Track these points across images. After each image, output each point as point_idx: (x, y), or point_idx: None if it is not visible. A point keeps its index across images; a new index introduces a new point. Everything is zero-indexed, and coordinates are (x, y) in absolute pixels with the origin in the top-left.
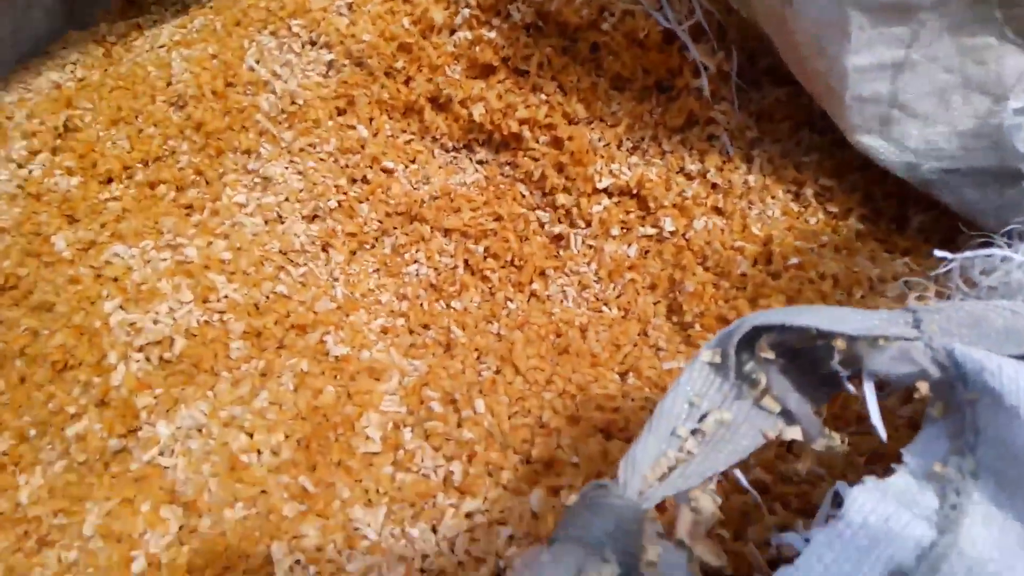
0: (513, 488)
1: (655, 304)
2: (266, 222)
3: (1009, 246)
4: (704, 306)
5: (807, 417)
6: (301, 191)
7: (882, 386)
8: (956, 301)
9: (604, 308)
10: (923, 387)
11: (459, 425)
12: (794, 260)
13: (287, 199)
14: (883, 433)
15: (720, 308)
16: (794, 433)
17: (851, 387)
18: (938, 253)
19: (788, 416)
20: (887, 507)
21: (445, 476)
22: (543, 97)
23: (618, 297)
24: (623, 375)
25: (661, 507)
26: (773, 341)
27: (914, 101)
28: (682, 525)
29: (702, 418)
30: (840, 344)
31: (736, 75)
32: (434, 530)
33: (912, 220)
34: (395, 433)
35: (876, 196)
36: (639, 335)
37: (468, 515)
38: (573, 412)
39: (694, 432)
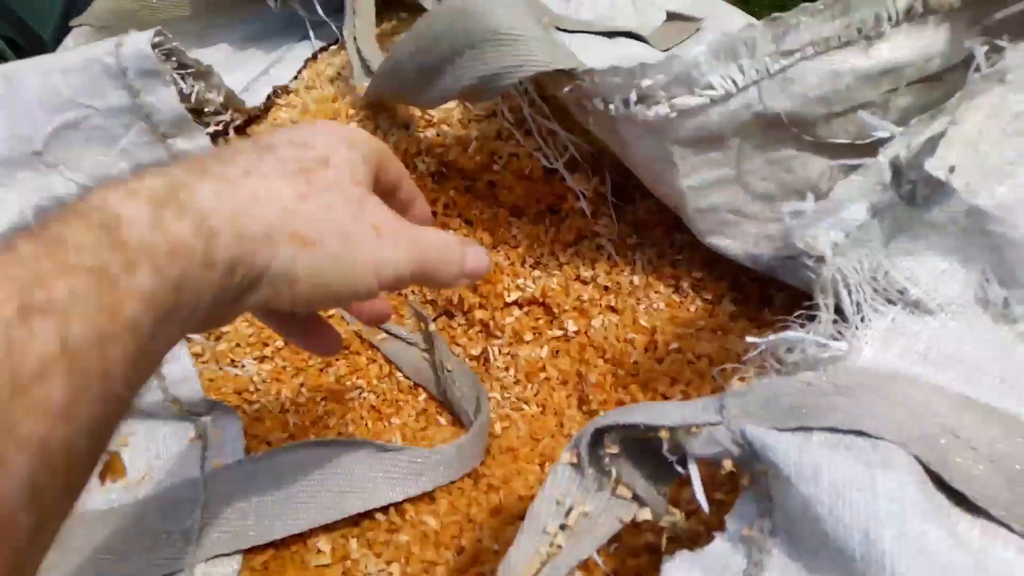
0: None
1: (567, 397)
2: (220, 367)
3: (802, 327)
4: (606, 394)
5: (653, 499)
6: (251, 336)
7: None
8: (762, 381)
9: (524, 406)
10: (727, 463)
11: (398, 531)
12: (675, 345)
13: (238, 344)
14: (705, 506)
15: (619, 394)
16: (644, 514)
17: (681, 469)
18: (749, 339)
19: (639, 500)
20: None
21: None
22: (451, 231)
23: (536, 395)
24: (541, 465)
25: None
26: (615, 438)
27: (745, 207)
28: None
29: (567, 514)
30: (664, 434)
31: (612, 194)
32: None
33: (775, 298)
34: (343, 544)
35: (743, 281)
36: (556, 427)
37: None
38: (496, 504)
39: (562, 527)
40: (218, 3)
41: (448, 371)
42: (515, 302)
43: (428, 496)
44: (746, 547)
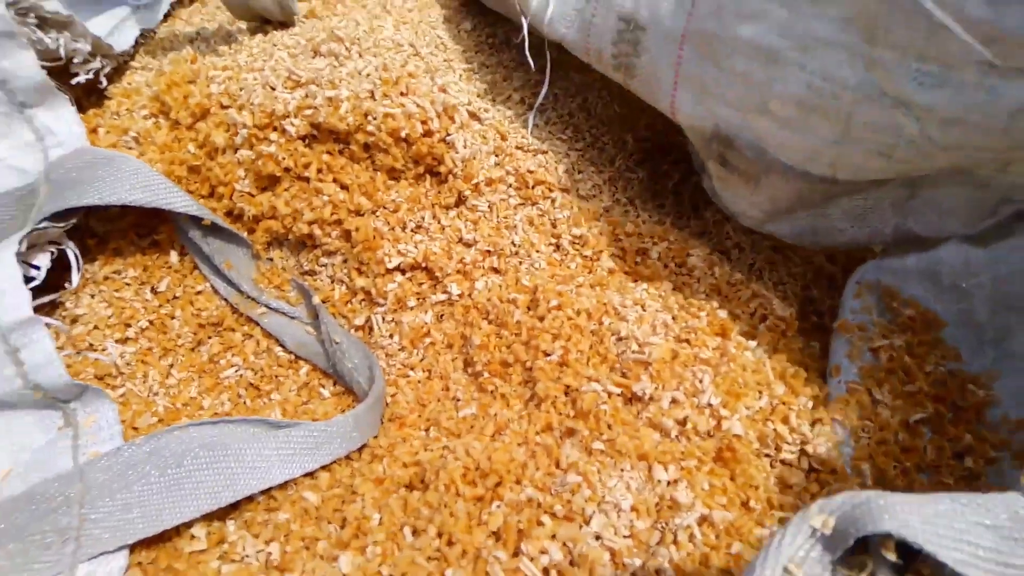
0: (327, 555)
1: (453, 360)
2: (78, 352)
3: None
4: (489, 355)
5: None
6: (110, 317)
7: None
8: None
9: (410, 372)
10: None
11: (277, 509)
12: (554, 302)
13: (96, 327)
14: None
15: (503, 354)
16: None
17: None
18: None
19: None
20: None
21: (265, 559)
22: (325, 198)
23: (421, 360)
24: (426, 430)
25: None
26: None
27: None
28: None
29: None
30: None
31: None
32: None
33: (651, 252)
34: (220, 528)
35: (620, 237)
36: (442, 391)
37: None
38: (379, 475)
39: None
40: None
41: (337, 343)
42: (397, 268)
43: None
44: None
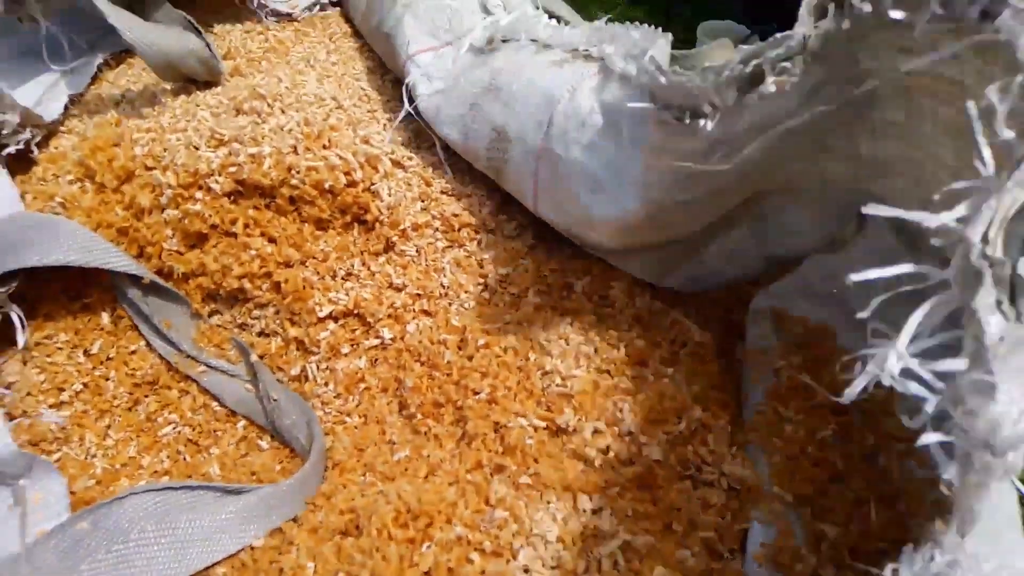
0: None
1: (388, 404)
2: (12, 419)
3: None
4: (422, 396)
5: None
6: (43, 382)
7: None
8: None
9: (347, 419)
10: None
11: (215, 564)
12: (482, 341)
13: (29, 393)
14: None
15: (435, 395)
16: None
17: None
18: None
19: None
20: None
21: None
22: (253, 252)
23: (357, 406)
24: (364, 475)
25: None
26: None
27: None
28: None
29: None
30: None
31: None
32: None
33: (575, 286)
34: None
35: (545, 273)
36: (379, 435)
37: None
38: (315, 524)
39: None
40: None
41: (275, 400)
42: (329, 316)
43: None
44: None
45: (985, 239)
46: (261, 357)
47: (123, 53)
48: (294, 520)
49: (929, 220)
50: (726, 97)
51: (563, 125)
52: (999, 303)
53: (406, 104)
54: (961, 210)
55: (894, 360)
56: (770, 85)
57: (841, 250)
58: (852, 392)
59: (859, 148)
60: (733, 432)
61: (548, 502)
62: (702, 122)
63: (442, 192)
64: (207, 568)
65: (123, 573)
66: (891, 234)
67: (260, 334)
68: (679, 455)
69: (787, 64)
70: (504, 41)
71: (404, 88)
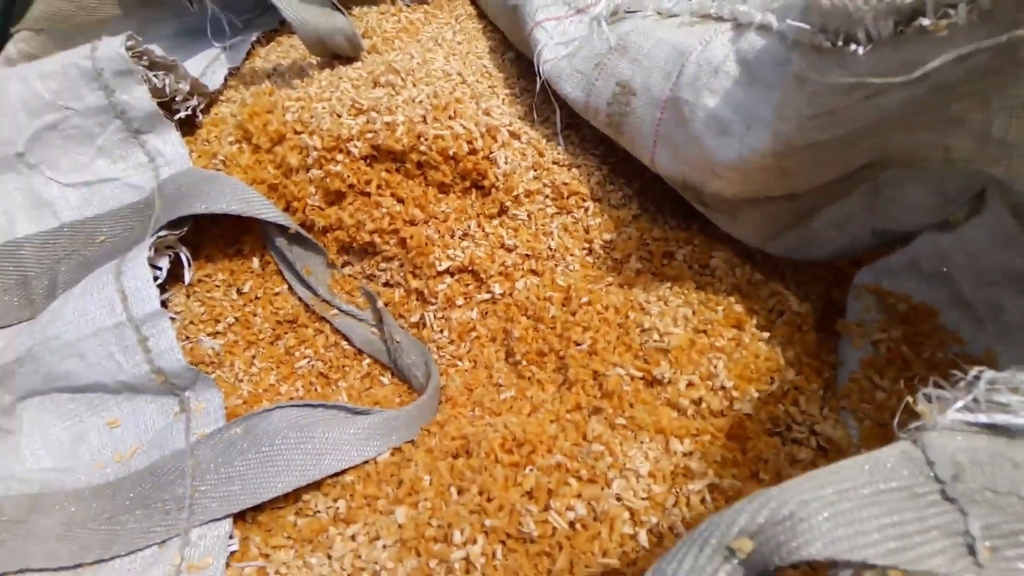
0: (385, 510)
1: (496, 352)
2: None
3: None
4: (527, 346)
5: None
6: (203, 314)
7: None
8: (984, 468)
9: (458, 363)
10: None
11: (342, 472)
12: (585, 299)
13: (191, 322)
14: None
15: (539, 345)
16: None
17: None
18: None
19: None
20: None
21: (334, 513)
22: (384, 210)
23: (468, 352)
24: (472, 410)
25: None
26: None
27: None
28: None
29: None
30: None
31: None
32: (328, 556)
33: (677, 254)
34: (296, 491)
35: (647, 241)
36: (486, 378)
37: (352, 537)
38: (431, 446)
39: None
40: (146, 1)
41: (397, 342)
42: (446, 271)
43: None
44: None
45: None
46: (386, 304)
47: (273, 32)
48: (411, 442)
49: None
50: (883, 27)
51: (694, 73)
52: None
53: (537, 67)
54: None
55: None
56: (927, 23)
57: (954, 231)
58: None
59: (991, 126)
60: (825, 397)
61: (641, 442)
62: (853, 47)
63: (554, 162)
64: (337, 474)
65: (268, 470)
66: (1011, 218)
67: (385, 284)
68: (770, 412)
69: (951, 10)
70: (628, 12)
71: (534, 55)
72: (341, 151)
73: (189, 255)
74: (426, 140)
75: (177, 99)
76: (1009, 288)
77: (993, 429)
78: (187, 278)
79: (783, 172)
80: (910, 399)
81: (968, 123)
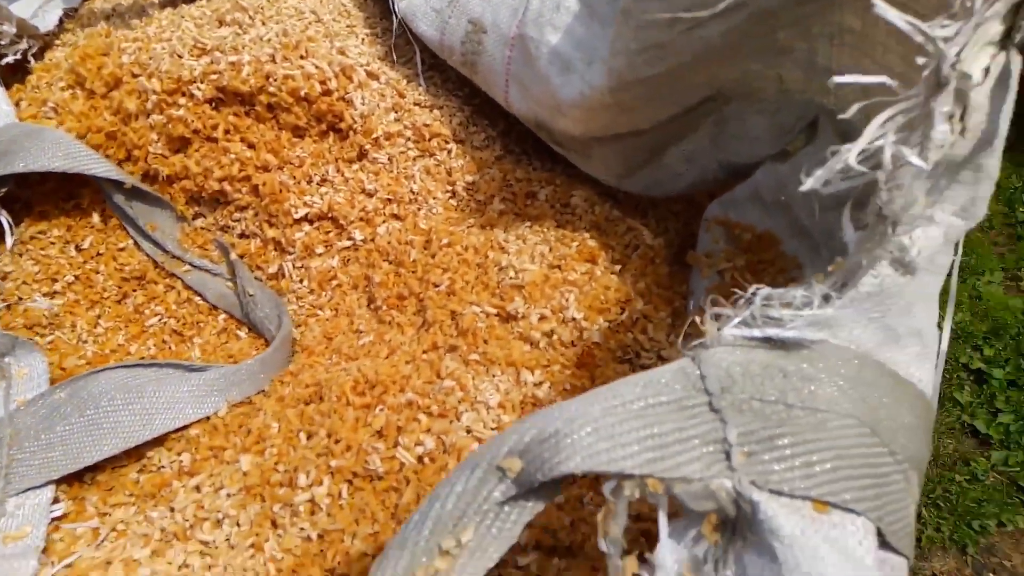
0: (231, 460)
1: (357, 299)
2: (8, 306)
3: None
4: (388, 291)
5: None
6: (37, 273)
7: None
8: (755, 379)
9: (319, 312)
10: (712, 519)
11: (187, 426)
12: (445, 240)
13: (24, 282)
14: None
15: (400, 288)
16: None
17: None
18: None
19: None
20: None
21: (178, 467)
22: (233, 156)
23: (329, 300)
24: (329, 358)
25: None
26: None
27: None
28: None
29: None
30: (655, 486)
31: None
32: (170, 508)
33: (539, 194)
34: (139, 448)
35: (511, 182)
36: (347, 325)
37: (196, 488)
38: (283, 395)
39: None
40: None
41: (251, 295)
42: (304, 218)
43: None
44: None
45: (958, 57)
46: (241, 257)
47: None
48: (263, 393)
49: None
50: None
51: (538, 8)
52: (951, 116)
53: (392, 5)
54: (947, 31)
55: (854, 156)
56: None
57: (790, 160)
58: (810, 185)
59: (816, 56)
60: (674, 325)
61: (493, 375)
62: None
63: (415, 104)
64: (182, 428)
65: (93, 434)
66: (838, 143)
67: (240, 235)
68: (619, 341)
69: None
70: None
71: None
72: (183, 94)
73: (9, 218)
74: (275, 80)
75: (2, 42)
76: (840, 212)
77: (769, 343)
78: (8, 241)
79: (622, 108)
80: (697, 319)
81: (794, 52)
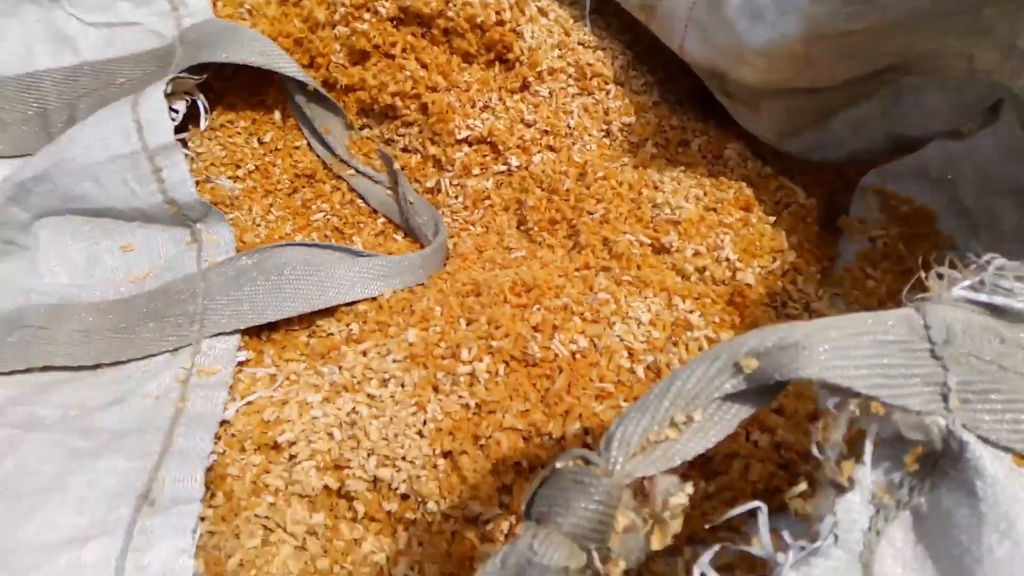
0: (396, 333)
1: (508, 220)
2: (197, 183)
3: None
4: (540, 215)
5: None
6: (224, 157)
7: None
8: (975, 339)
9: (471, 227)
10: (918, 450)
11: (356, 302)
12: (600, 174)
13: (212, 164)
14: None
15: (552, 214)
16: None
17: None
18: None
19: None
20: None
21: (346, 335)
22: (407, 74)
23: (481, 218)
24: (482, 265)
25: None
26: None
27: None
28: (658, 498)
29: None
30: (877, 408)
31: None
32: (339, 367)
33: (692, 143)
34: (309, 316)
35: (665, 128)
36: (496, 242)
37: (363, 352)
38: (442, 288)
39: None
40: None
41: (410, 203)
42: (465, 140)
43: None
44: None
45: None
46: (402, 169)
47: None
48: (422, 285)
49: None
50: None
51: None
52: None
53: None
54: None
55: None
56: None
57: (965, 140)
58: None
59: (1017, 38)
60: (821, 282)
61: (645, 297)
62: None
63: (579, 43)
64: (349, 304)
65: (276, 296)
66: (1021, 131)
67: (403, 150)
68: (769, 287)
69: None
70: None
71: None
72: (369, 10)
73: (206, 102)
74: (455, 6)
75: None
76: (1008, 199)
77: (992, 309)
78: (203, 123)
79: (809, 61)
80: (923, 274)
81: (995, 32)
